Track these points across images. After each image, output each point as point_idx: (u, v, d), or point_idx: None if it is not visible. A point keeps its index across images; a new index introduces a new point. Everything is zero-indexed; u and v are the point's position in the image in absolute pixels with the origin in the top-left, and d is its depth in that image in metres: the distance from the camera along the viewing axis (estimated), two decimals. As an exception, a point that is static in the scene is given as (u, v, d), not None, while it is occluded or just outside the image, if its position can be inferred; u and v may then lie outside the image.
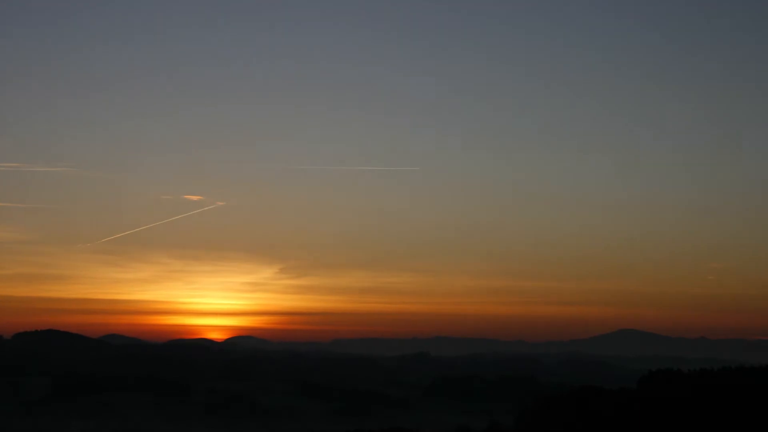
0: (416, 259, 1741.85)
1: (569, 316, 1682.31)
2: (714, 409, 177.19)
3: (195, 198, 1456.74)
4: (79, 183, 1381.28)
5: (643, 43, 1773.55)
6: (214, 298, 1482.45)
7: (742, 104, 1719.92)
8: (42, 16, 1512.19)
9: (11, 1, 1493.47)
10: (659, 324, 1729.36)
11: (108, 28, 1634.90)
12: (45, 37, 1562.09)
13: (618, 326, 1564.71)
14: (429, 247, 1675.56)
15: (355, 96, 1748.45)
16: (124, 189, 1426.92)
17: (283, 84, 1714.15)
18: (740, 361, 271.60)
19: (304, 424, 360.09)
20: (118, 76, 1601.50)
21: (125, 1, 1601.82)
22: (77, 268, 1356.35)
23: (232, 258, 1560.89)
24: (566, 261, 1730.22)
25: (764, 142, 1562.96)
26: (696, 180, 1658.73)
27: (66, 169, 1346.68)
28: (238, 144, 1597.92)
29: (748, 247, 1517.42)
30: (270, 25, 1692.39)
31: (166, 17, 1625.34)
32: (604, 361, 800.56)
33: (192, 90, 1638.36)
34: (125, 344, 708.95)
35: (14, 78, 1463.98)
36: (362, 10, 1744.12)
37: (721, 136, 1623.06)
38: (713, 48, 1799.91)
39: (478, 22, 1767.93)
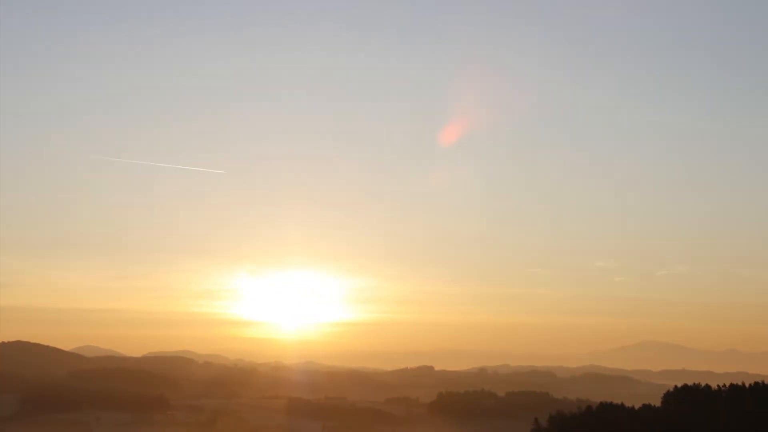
0: (420, 263, 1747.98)
1: (587, 326, 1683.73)
2: (745, 429, 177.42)
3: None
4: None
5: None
6: (192, 307, 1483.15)
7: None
8: None
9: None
10: (685, 335, 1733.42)
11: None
12: None
13: (641, 337, 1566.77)
14: (439, 251, 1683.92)
15: (343, 90, 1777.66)
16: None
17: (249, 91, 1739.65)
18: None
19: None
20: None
21: None
22: (21, 273, 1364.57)
23: (194, 260, 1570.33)
24: (577, 264, 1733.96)
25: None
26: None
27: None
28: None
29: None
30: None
31: None
32: (626, 375, 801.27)
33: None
34: (101, 356, 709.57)
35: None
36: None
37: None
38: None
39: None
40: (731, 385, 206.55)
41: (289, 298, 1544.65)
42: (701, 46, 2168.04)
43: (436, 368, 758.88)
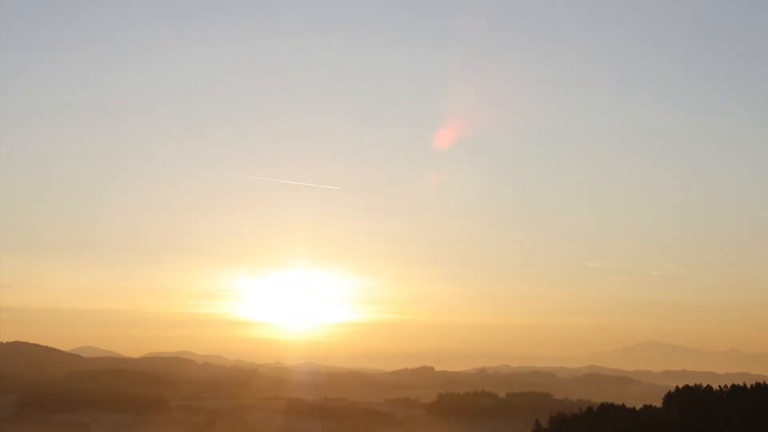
0: (420, 263, 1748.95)
1: (588, 327, 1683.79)
2: (746, 430, 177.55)
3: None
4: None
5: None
6: (192, 307, 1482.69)
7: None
8: None
9: None
10: (686, 336, 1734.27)
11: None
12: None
13: (641, 338, 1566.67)
14: (438, 251, 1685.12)
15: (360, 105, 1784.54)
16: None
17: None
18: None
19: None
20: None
21: None
22: (21, 273, 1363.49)
23: (194, 260, 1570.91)
24: (577, 264, 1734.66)
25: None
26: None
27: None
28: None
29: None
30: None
31: None
32: (627, 376, 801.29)
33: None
34: (100, 357, 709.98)
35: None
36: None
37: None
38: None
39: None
40: (733, 385, 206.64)
41: (288, 299, 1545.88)
42: (699, 46, 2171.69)
43: (437, 369, 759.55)
